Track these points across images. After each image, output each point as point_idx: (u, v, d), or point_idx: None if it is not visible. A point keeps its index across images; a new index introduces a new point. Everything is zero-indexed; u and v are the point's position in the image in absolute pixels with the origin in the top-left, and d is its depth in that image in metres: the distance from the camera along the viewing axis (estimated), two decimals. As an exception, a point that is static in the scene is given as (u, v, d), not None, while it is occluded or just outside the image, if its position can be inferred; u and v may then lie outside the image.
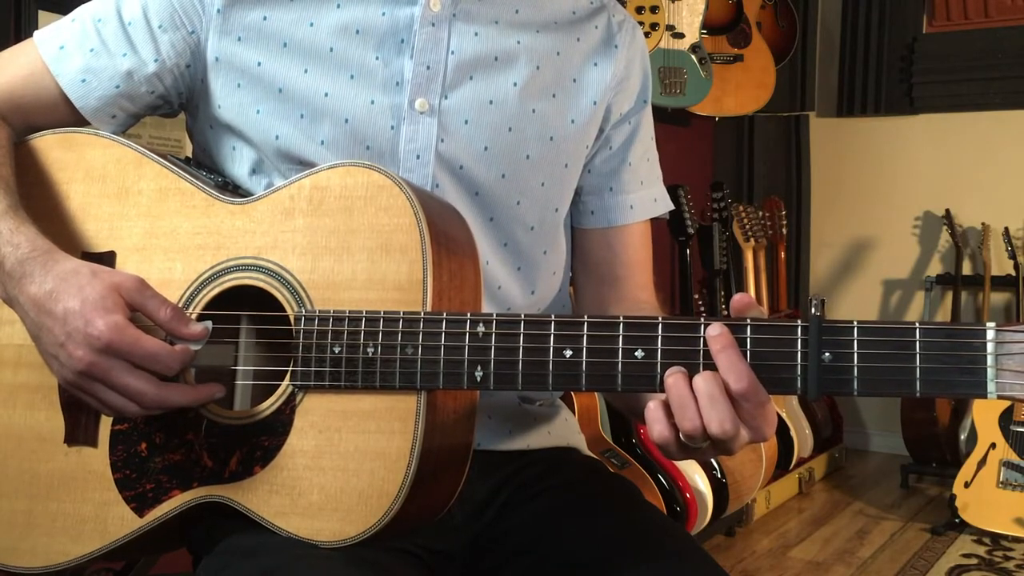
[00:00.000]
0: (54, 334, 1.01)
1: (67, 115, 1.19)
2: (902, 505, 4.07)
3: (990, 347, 0.87)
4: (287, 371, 1.04)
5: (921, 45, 4.62)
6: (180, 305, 1.08)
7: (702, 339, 0.94)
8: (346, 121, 1.15)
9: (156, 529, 1.08)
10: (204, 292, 1.08)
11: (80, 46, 1.18)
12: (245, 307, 1.10)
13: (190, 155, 1.29)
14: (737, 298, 0.97)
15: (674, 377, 0.94)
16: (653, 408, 0.96)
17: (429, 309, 1.01)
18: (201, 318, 1.07)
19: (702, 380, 0.93)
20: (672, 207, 1.39)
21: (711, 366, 0.93)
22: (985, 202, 4.50)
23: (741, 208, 4.33)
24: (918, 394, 0.89)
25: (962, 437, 4.01)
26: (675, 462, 3.17)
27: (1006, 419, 3.63)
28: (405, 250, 1.02)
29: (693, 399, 0.93)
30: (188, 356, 1.02)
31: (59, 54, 1.18)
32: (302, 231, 1.06)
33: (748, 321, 0.94)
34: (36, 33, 1.21)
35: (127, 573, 1.94)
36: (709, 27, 4.08)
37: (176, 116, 1.27)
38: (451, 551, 1.16)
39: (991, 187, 4.52)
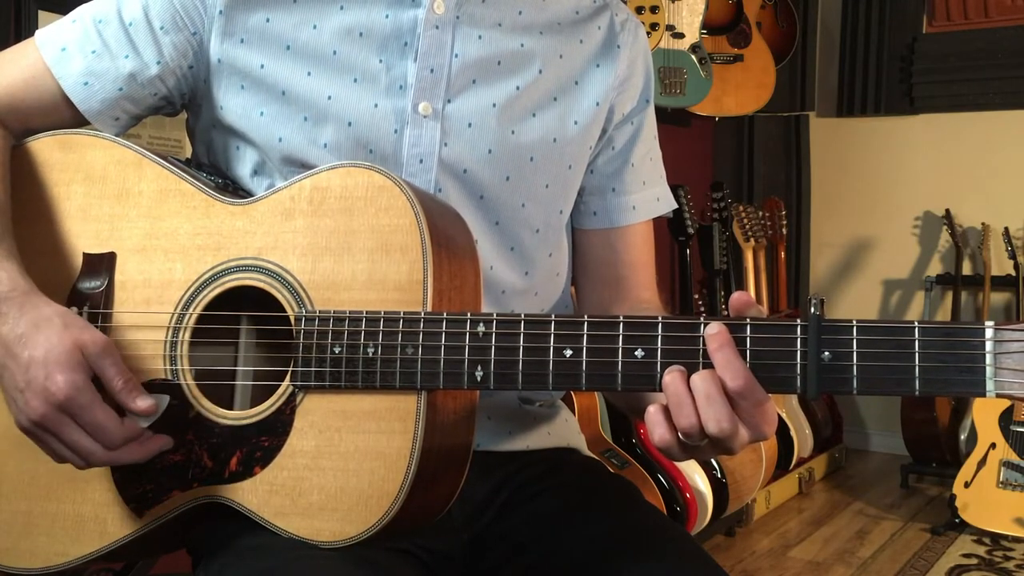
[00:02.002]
0: (16, 379, 1.01)
1: (68, 117, 1.18)
2: (902, 505, 4.07)
3: (989, 346, 0.87)
4: (287, 371, 1.04)
5: (921, 45, 4.62)
6: (181, 305, 1.08)
7: (702, 338, 0.94)
8: (349, 124, 1.15)
9: (156, 529, 1.08)
10: (205, 293, 1.08)
11: (82, 48, 1.17)
12: (245, 308, 1.10)
13: (190, 156, 1.29)
14: (736, 296, 0.97)
15: (671, 375, 0.94)
16: (653, 412, 0.96)
17: (429, 309, 1.01)
18: (202, 319, 1.07)
19: (699, 379, 0.93)
20: (675, 205, 1.38)
21: (710, 365, 0.93)
22: (985, 202, 4.50)
23: (741, 208, 4.33)
24: (917, 393, 0.89)
25: (962, 437, 4.01)
26: (675, 462, 3.17)
27: (1006, 419, 3.63)
28: (405, 251, 1.02)
29: (690, 397, 0.93)
30: (134, 432, 1.03)
31: (61, 56, 1.17)
32: (302, 232, 1.06)
33: (748, 320, 0.94)
34: (37, 33, 1.20)
35: (127, 573, 1.94)
36: (709, 27, 4.08)
37: (177, 115, 1.27)
38: (451, 551, 1.16)
39: (991, 187, 4.52)
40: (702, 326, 0.94)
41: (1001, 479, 3.59)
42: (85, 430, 1.01)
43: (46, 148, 1.17)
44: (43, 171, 1.16)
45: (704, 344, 0.94)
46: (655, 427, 0.95)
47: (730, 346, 0.93)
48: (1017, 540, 3.57)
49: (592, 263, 1.33)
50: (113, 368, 1.02)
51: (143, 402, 1.03)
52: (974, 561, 3.40)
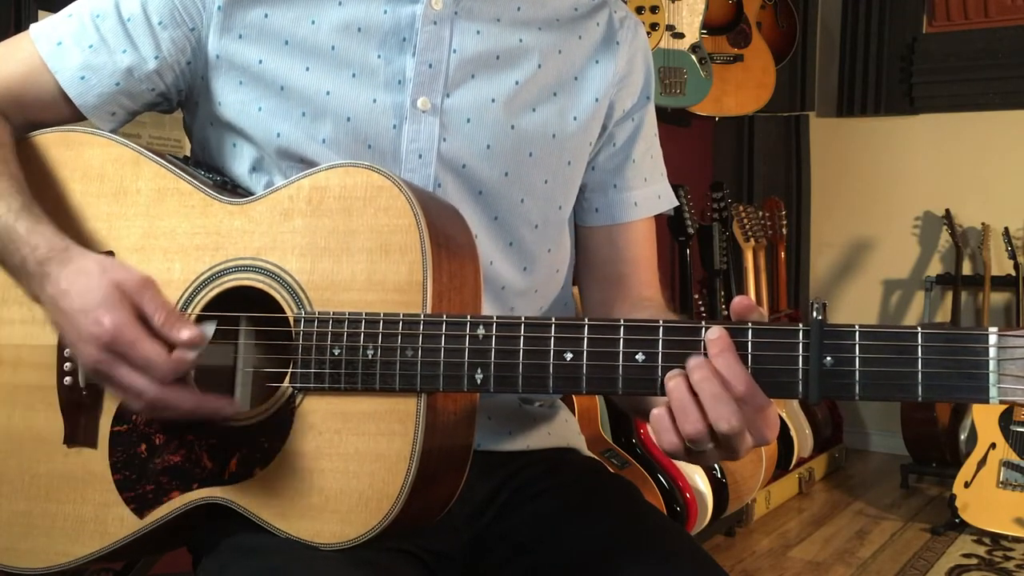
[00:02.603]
0: (70, 333, 1.02)
1: (66, 112, 1.18)
2: (902, 505, 4.07)
3: (992, 352, 0.87)
4: (287, 373, 1.04)
5: (921, 45, 4.63)
6: (180, 305, 1.08)
7: (703, 342, 0.94)
8: (348, 120, 1.15)
9: (156, 530, 1.08)
10: (203, 293, 1.08)
11: (78, 42, 1.17)
12: (244, 308, 1.10)
13: (188, 154, 1.29)
14: (737, 301, 0.96)
15: (675, 381, 0.93)
16: (659, 416, 0.95)
17: (429, 311, 1.00)
18: (200, 319, 1.07)
19: (704, 380, 0.92)
20: (676, 203, 1.38)
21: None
22: (985, 202, 4.50)
23: (741, 208, 4.33)
24: (920, 399, 0.88)
25: (962, 437, 4.01)
26: (675, 462, 3.17)
27: (1006, 419, 3.63)
28: (405, 251, 1.02)
29: (695, 403, 0.92)
30: (182, 364, 1.00)
31: (57, 50, 1.17)
32: (301, 232, 1.06)
33: (749, 325, 0.94)
34: (32, 27, 1.20)
35: (127, 573, 1.94)
36: (709, 27, 4.08)
37: (173, 112, 1.27)
38: (451, 551, 1.16)
39: (991, 187, 4.52)
40: (703, 330, 0.94)
41: (1001, 479, 3.59)
42: (136, 368, 1.00)
43: (44, 145, 1.17)
44: (41, 168, 1.16)
45: (705, 348, 0.94)
46: (662, 433, 0.95)
47: (731, 351, 0.92)
48: (1017, 540, 3.57)
49: (594, 260, 1.33)
50: (152, 303, 1.02)
51: (187, 332, 1.00)
52: (974, 561, 3.40)
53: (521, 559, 1.15)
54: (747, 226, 4.29)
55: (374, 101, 1.16)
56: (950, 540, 3.61)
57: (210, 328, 1.03)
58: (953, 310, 4.42)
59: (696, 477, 3.23)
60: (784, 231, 4.59)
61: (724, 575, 1.11)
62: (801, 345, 0.92)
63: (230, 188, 1.19)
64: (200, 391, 1.03)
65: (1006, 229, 4.30)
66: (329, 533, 1.01)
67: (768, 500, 3.90)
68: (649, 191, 1.33)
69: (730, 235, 4.20)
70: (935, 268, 4.69)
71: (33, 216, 1.07)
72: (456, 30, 1.19)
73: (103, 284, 1.01)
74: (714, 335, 0.93)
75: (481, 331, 0.99)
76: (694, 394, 0.93)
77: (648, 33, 3.64)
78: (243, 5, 1.17)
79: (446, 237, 1.04)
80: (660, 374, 0.94)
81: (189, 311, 1.08)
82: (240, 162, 1.19)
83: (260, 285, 1.06)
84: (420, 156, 1.17)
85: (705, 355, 0.93)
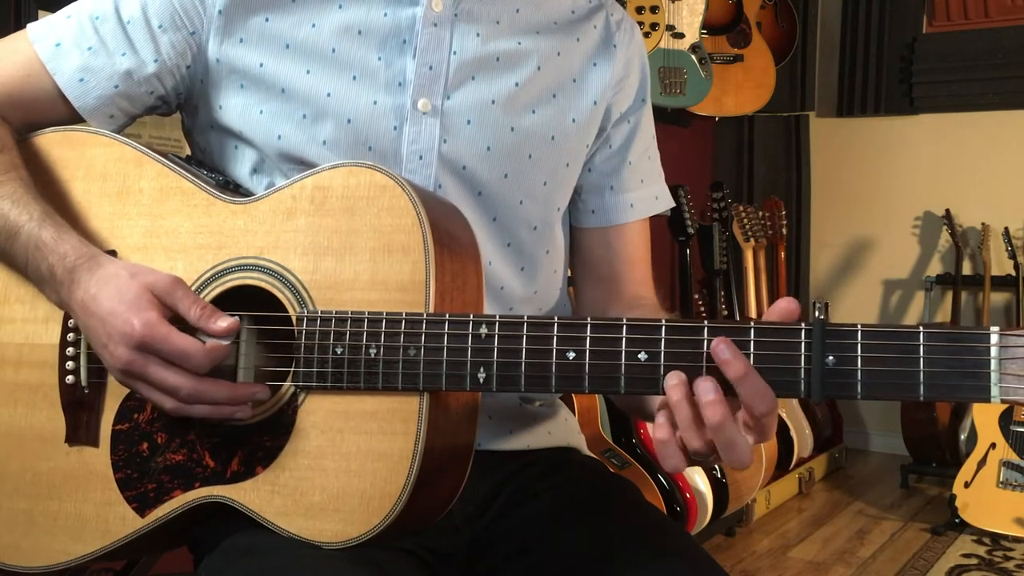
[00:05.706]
0: (98, 334, 1.03)
1: (65, 113, 1.18)
2: (902, 505, 4.07)
3: (994, 351, 0.87)
4: (289, 372, 1.04)
5: (921, 45, 4.63)
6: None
7: (705, 341, 0.94)
8: (348, 121, 1.15)
9: (158, 529, 1.08)
10: (205, 292, 1.08)
11: (77, 44, 1.17)
12: (247, 307, 1.10)
13: (190, 154, 1.28)
14: (782, 304, 0.96)
15: (677, 389, 0.94)
16: (664, 440, 0.95)
17: (431, 310, 1.00)
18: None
19: (711, 408, 0.92)
20: (673, 204, 1.39)
21: (713, 369, 0.93)
22: (985, 202, 4.50)
23: (741, 208, 4.33)
24: (921, 398, 0.89)
25: (962, 437, 4.01)
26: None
27: (1006, 419, 3.63)
28: (408, 251, 1.02)
29: (694, 418, 0.93)
30: (218, 353, 1.02)
31: (56, 52, 1.17)
32: (304, 231, 1.06)
33: (751, 324, 0.93)
34: (29, 27, 1.20)
35: (127, 573, 1.94)
36: (709, 27, 4.08)
37: (172, 115, 1.27)
38: (451, 551, 1.16)
39: (991, 187, 4.52)
40: (705, 329, 0.94)
41: (1001, 479, 3.59)
42: (172, 362, 1.00)
43: (47, 144, 1.17)
44: (44, 167, 1.16)
45: (707, 347, 0.93)
46: (668, 460, 0.96)
47: (754, 373, 0.92)
48: (1017, 540, 3.57)
49: (589, 261, 1.34)
50: (186, 300, 1.03)
51: (224, 322, 1.02)
52: (974, 561, 3.41)
53: (522, 559, 1.15)
54: (747, 226, 4.29)
55: (375, 103, 1.16)
56: (950, 540, 3.61)
57: (238, 319, 1.04)
58: (953, 310, 4.42)
59: (696, 477, 3.23)
60: (784, 231, 4.59)
61: (724, 575, 1.11)
62: (803, 344, 0.92)
63: (233, 188, 1.19)
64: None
65: (1006, 229, 4.30)
66: (331, 532, 1.01)
67: (768, 500, 3.90)
68: (646, 192, 1.34)
69: (730, 235, 4.20)
70: (935, 268, 4.69)
71: (55, 223, 1.08)
72: (456, 32, 1.19)
73: (133, 287, 1.02)
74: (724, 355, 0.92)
75: (484, 330, 0.99)
76: (696, 407, 0.93)
77: (648, 33, 3.65)
78: (244, 9, 1.17)
79: (449, 237, 1.05)
80: (662, 373, 0.94)
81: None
82: (241, 164, 1.19)
83: (263, 284, 1.07)
84: (421, 157, 1.17)
85: (707, 354, 0.93)
